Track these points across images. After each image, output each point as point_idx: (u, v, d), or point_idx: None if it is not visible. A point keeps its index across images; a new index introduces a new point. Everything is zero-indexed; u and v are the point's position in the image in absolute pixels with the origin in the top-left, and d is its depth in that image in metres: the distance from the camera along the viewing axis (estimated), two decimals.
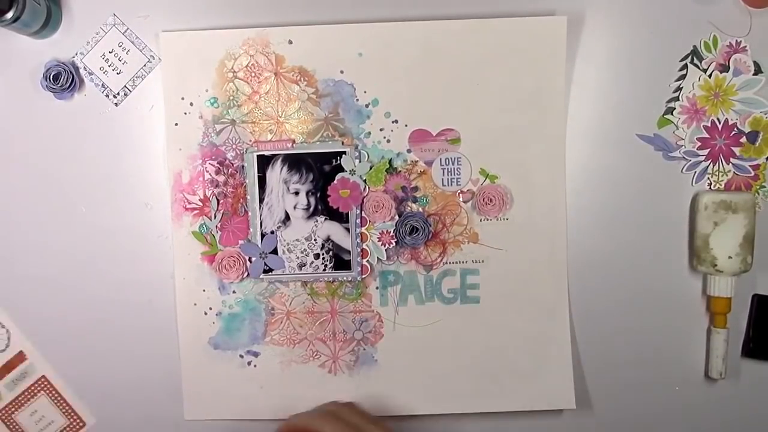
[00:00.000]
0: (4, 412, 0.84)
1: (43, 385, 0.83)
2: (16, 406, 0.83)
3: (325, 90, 0.79)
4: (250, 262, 0.80)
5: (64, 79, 0.78)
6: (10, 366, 0.83)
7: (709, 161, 0.80)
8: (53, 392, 0.83)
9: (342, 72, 0.78)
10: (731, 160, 0.80)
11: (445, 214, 0.80)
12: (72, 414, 0.84)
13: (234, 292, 0.81)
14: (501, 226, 0.80)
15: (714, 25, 0.79)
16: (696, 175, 0.80)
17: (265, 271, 0.80)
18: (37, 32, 0.78)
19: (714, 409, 0.82)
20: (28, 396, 0.83)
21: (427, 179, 0.79)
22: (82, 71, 0.80)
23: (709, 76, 0.79)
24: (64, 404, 0.83)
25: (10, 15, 0.72)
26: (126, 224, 0.82)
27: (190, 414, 0.82)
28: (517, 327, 0.80)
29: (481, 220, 0.80)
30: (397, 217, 0.79)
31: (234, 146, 0.79)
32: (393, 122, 0.79)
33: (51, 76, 0.78)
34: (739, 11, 0.79)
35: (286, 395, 0.81)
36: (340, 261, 0.80)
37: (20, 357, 0.83)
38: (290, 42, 0.78)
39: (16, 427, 0.84)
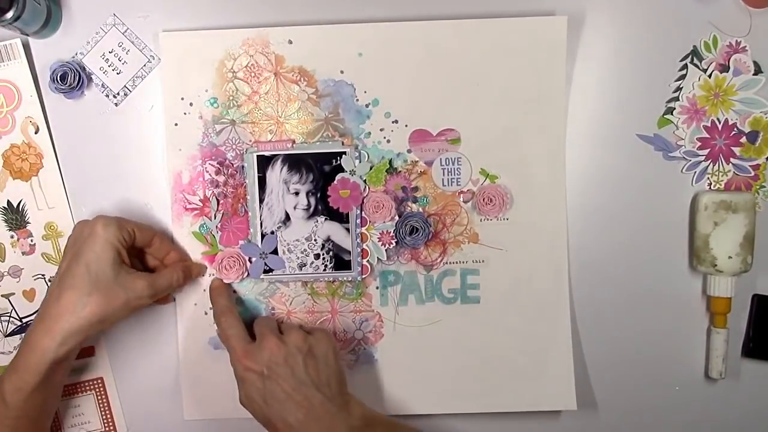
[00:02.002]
0: None
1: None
2: None
3: (325, 90, 0.79)
4: (251, 262, 0.80)
5: (71, 78, 0.78)
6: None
7: (709, 161, 0.80)
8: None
9: (342, 72, 0.78)
10: (731, 160, 0.80)
11: (446, 214, 0.80)
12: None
13: (234, 292, 0.81)
14: (501, 226, 0.80)
15: (714, 25, 0.79)
16: (696, 175, 0.80)
17: (266, 272, 0.80)
18: (37, 32, 0.78)
19: (714, 409, 0.82)
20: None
21: (427, 179, 0.79)
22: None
23: (709, 76, 0.79)
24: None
25: (10, 15, 0.72)
26: None
27: (189, 414, 0.82)
28: (518, 327, 0.80)
29: (481, 220, 0.80)
30: (397, 218, 0.79)
31: (234, 146, 0.79)
32: (393, 122, 0.79)
33: (58, 77, 0.78)
34: (739, 11, 0.79)
35: None
36: (340, 261, 0.80)
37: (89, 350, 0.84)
38: (290, 42, 0.78)
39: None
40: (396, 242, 0.79)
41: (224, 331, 0.75)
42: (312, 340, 0.74)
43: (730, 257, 0.78)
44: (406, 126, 0.79)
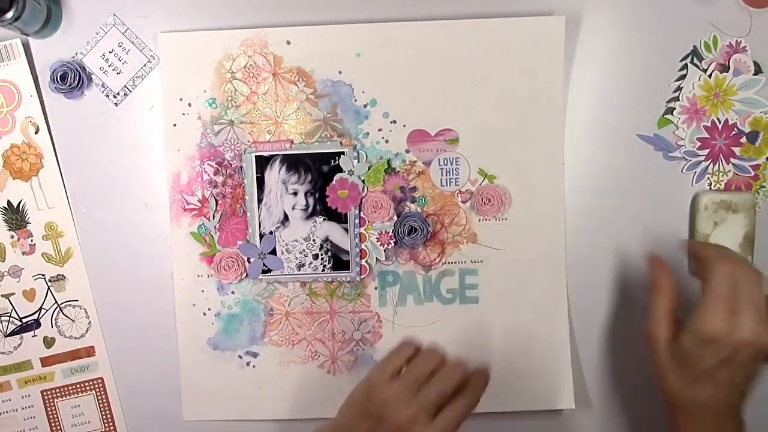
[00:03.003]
0: (49, 392, 0.84)
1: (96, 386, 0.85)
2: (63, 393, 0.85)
3: (323, 90, 0.79)
4: (249, 262, 0.80)
5: (71, 78, 0.78)
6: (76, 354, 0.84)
7: (709, 161, 0.80)
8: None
9: (340, 72, 0.78)
10: (731, 160, 0.79)
11: (444, 214, 0.80)
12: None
13: (233, 292, 0.81)
14: (500, 226, 0.80)
15: (714, 25, 0.78)
16: (696, 175, 0.80)
17: (264, 272, 0.80)
18: (37, 32, 0.78)
19: None
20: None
21: (425, 179, 0.79)
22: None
23: (709, 76, 0.79)
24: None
25: (10, 15, 0.73)
26: (126, 224, 0.82)
27: (188, 414, 0.82)
28: (516, 327, 0.80)
29: (479, 220, 0.80)
30: (395, 218, 0.79)
31: (232, 147, 0.79)
32: (391, 122, 0.79)
33: (58, 77, 0.79)
34: (739, 11, 0.78)
35: (285, 396, 0.81)
36: (338, 261, 0.80)
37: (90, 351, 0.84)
38: (288, 42, 0.78)
39: (53, 411, 0.84)
40: (394, 242, 0.79)
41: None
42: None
43: None
44: (405, 126, 0.79)
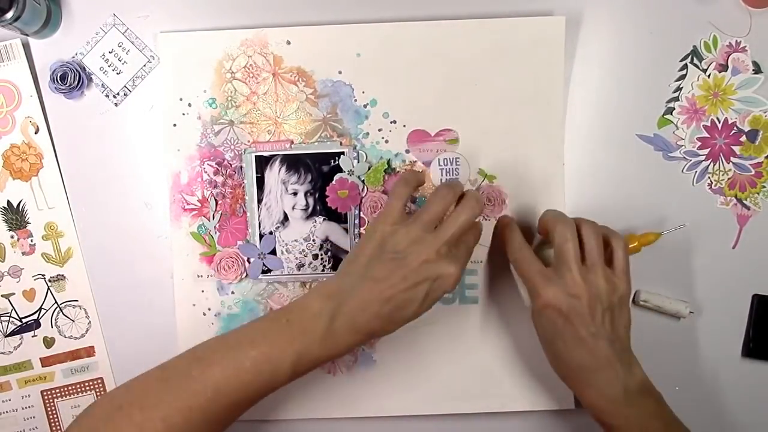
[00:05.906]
0: (49, 392, 0.84)
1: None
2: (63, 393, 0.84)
3: (323, 90, 0.79)
4: (249, 262, 0.80)
5: (71, 79, 0.78)
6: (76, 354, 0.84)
7: (710, 161, 0.80)
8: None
9: (340, 72, 0.78)
10: (731, 159, 0.79)
11: None
12: None
13: (233, 292, 0.81)
14: None
15: (714, 25, 0.79)
16: (696, 174, 0.80)
17: (264, 272, 0.80)
18: (37, 32, 0.78)
19: (714, 409, 0.82)
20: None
21: (425, 179, 0.79)
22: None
23: (708, 76, 0.79)
24: None
25: (10, 15, 0.73)
26: (126, 224, 0.82)
27: None
28: (516, 327, 0.80)
29: (479, 220, 0.79)
30: None
31: (232, 147, 0.79)
32: (391, 122, 0.79)
33: (58, 77, 0.79)
34: (739, 11, 0.78)
35: (285, 396, 0.81)
36: (338, 261, 0.79)
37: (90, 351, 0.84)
38: (288, 42, 0.78)
39: (53, 411, 0.84)
40: None
41: (521, 265, 0.72)
42: (614, 286, 0.70)
43: None
44: (405, 126, 0.79)
